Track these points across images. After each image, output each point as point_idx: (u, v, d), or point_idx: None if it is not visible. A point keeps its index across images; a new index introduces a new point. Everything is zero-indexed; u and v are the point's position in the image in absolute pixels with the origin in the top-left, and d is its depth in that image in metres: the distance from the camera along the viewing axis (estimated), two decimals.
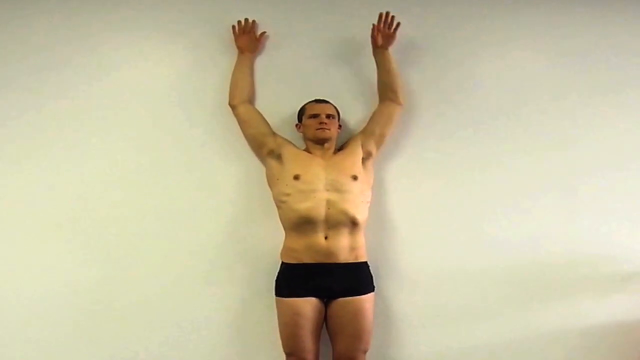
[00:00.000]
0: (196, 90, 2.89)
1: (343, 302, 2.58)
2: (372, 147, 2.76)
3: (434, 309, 2.86)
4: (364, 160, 2.74)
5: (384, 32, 2.83)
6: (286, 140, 2.79)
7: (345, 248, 2.60)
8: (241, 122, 2.80)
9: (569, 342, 2.90)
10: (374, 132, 2.78)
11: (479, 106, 2.96)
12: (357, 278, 2.63)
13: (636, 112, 3.02)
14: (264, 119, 2.80)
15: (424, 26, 2.98)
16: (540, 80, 3.00)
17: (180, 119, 2.88)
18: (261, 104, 2.87)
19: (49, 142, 2.85)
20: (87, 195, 2.83)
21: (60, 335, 2.78)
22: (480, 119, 2.95)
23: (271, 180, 2.73)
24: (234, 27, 2.88)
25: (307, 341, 2.57)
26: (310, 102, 2.79)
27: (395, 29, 2.83)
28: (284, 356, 2.61)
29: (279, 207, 2.68)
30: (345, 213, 2.58)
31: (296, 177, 2.63)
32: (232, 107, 2.81)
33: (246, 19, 2.88)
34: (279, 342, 2.62)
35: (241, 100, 2.80)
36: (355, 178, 2.65)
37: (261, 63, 2.91)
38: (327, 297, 2.60)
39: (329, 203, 2.59)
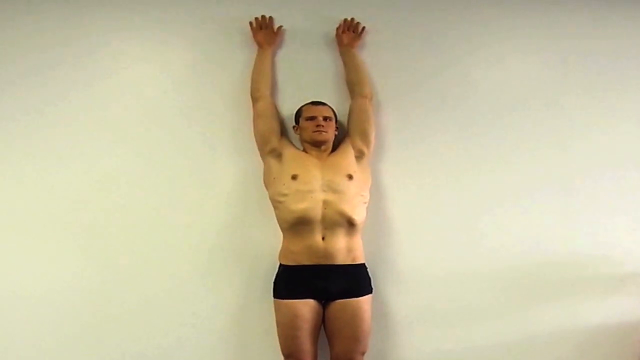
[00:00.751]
0: (194, 91, 2.89)
1: (341, 304, 2.59)
2: (360, 145, 2.77)
3: (431, 311, 2.86)
4: (357, 159, 2.75)
5: (348, 34, 2.88)
6: (290, 142, 2.81)
7: (342, 249, 2.60)
8: (257, 116, 2.79)
9: (568, 342, 2.91)
10: (355, 129, 2.80)
11: (477, 107, 2.96)
12: (355, 280, 2.64)
13: (634, 113, 3.03)
14: (279, 117, 2.82)
15: (419, 26, 2.98)
16: (538, 81, 3.01)
17: (178, 121, 2.88)
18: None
19: (49, 142, 2.84)
20: (84, 197, 2.82)
21: (58, 336, 2.78)
22: (478, 120, 2.96)
23: (268, 180, 2.73)
24: (251, 23, 2.88)
25: (305, 343, 2.57)
26: (307, 104, 2.79)
27: (361, 32, 2.89)
28: (282, 358, 2.61)
29: (275, 208, 2.68)
30: (341, 213, 2.59)
31: (294, 177, 2.63)
32: (254, 99, 2.81)
33: (263, 16, 2.88)
34: (277, 343, 2.62)
35: (263, 93, 2.80)
36: (350, 177, 2.65)
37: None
38: (325, 298, 2.60)
39: (325, 203, 2.59)
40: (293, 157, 2.72)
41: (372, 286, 2.68)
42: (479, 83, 2.98)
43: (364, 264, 2.68)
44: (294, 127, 2.82)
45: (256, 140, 2.80)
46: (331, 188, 2.62)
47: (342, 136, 2.84)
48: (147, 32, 2.93)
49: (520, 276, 2.90)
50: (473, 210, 2.91)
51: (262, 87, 2.81)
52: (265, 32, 2.88)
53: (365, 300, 2.62)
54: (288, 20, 2.92)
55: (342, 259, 2.60)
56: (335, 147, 2.80)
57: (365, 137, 2.78)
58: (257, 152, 2.79)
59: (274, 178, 2.69)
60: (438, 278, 2.87)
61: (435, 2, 3.00)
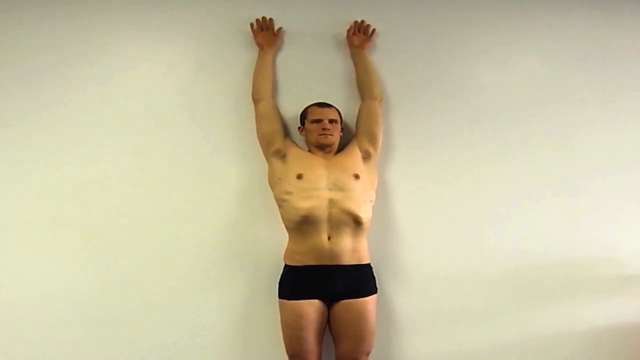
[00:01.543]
0: (198, 92, 2.90)
1: (346, 304, 2.59)
2: (367, 146, 2.78)
3: (436, 311, 2.86)
4: (364, 160, 2.75)
5: (359, 36, 2.89)
6: (294, 142, 2.81)
7: (348, 250, 2.60)
8: (259, 117, 2.80)
9: (571, 344, 2.91)
10: (363, 131, 2.80)
11: (482, 108, 2.98)
12: (360, 280, 2.64)
13: (636, 114, 3.04)
14: (281, 118, 2.82)
15: (425, 29, 3.00)
16: (541, 81, 3.02)
17: (182, 122, 2.88)
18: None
19: (52, 142, 2.84)
20: (87, 197, 2.82)
21: (60, 338, 2.77)
22: (483, 122, 2.97)
23: (273, 180, 2.73)
24: (252, 24, 2.90)
25: (310, 343, 2.57)
26: (312, 105, 2.79)
27: (371, 34, 2.91)
28: (286, 358, 2.61)
29: (280, 207, 2.68)
30: (348, 212, 2.59)
31: (299, 177, 2.64)
32: (255, 101, 2.81)
33: (264, 17, 2.90)
34: (282, 344, 2.62)
35: (264, 95, 2.81)
36: (357, 177, 2.66)
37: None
38: (330, 299, 2.60)
39: (331, 202, 2.59)
40: (298, 156, 2.73)
41: (377, 286, 2.68)
42: (485, 85, 2.99)
43: (369, 264, 2.69)
44: (299, 128, 2.83)
45: (260, 142, 2.80)
46: (337, 186, 2.62)
47: (347, 136, 2.85)
48: (151, 32, 2.93)
49: (524, 277, 2.91)
50: (478, 211, 2.92)
51: (263, 89, 2.82)
52: (266, 33, 2.89)
53: (370, 301, 2.63)
54: (294, 21, 2.94)
55: (347, 259, 2.60)
56: (341, 147, 2.81)
57: (373, 139, 2.79)
58: (262, 153, 2.80)
59: (279, 178, 2.70)
60: (443, 278, 2.87)
61: (441, 5, 3.01)
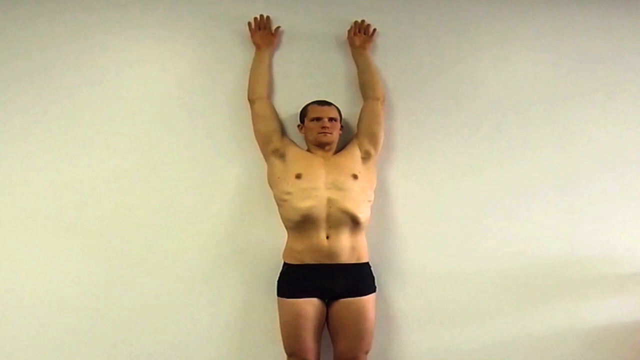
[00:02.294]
0: (198, 90, 2.89)
1: (345, 303, 2.59)
2: (368, 147, 2.77)
3: (435, 310, 2.87)
4: (364, 160, 2.75)
5: (360, 35, 2.89)
6: (292, 141, 2.81)
7: (346, 248, 2.60)
8: (256, 117, 2.80)
9: (570, 343, 2.92)
10: (364, 131, 2.80)
11: (480, 108, 2.97)
12: (359, 279, 2.64)
13: (635, 114, 3.03)
14: (278, 117, 2.82)
15: (424, 27, 2.99)
16: (540, 81, 3.02)
17: (182, 120, 2.87)
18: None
19: (52, 142, 2.84)
20: (85, 197, 2.82)
21: (59, 336, 2.78)
22: (482, 121, 2.96)
23: (272, 179, 2.73)
24: (249, 23, 2.88)
25: (309, 341, 2.58)
26: (312, 103, 2.79)
27: (372, 34, 2.90)
28: (285, 356, 2.62)
29: (280, 206, 2.68)
30: (346, 211, 2.59)
31: (298, 176, 2.64)
32: (251, 101, 2.81)
33: (261, 15, 2.88)
34: (281, 342, 2.62)
35: (260, 95, 2.80)
36: (355, 177, 2.66)
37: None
38: (328, 297, 2.61)
39: (330, 201, 2.60)
40: (297, 156, 2.73)
41: (376, 285, 2.69)
42: (484, 84, 2.99)
43: (367, 263, 2.69)
44: (298, 125, 2.82)
45: (257, 142, 2.80)
46: (336, 186, 2.62)
47: (347, 135, 2.84)
48: (149, 31, 2.92)
49: (523, 276, 2.91)
50: (477, 211, 2.92)
51: (258, 89, 2.81)
52: (263, 33, 2.87)
53: (369, 299, 2.63)
54: (295, 21, 2.93)
55: (346, 258, 2.61)
56: (341, 146, 2.81)
57: (374, 139, 2.79)
58: (260, 152, 2.80)
59: (278, 177, 2.70)
60: (442, 278, 2.88)
61: (442, 5, 3.00)
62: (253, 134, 2.81)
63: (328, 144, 2.74)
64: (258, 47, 2.86)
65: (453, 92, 2.97)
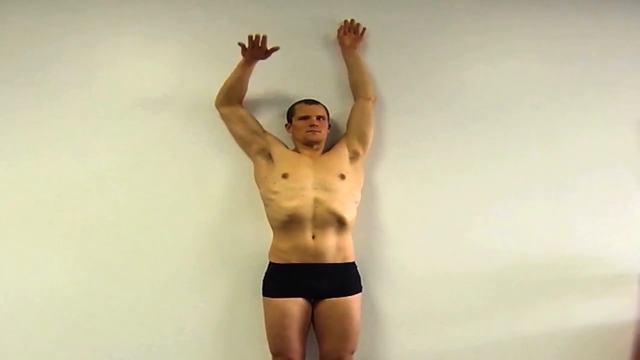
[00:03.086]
0: (185, 89, 2.88)
1: (330, 303, 2.58)
2: (357, 147, 2.76)
3: (421, 310, 2.86)
4: (352, 160, 2.74)
5: (350, 35, 2.87)
6: (276, 139, 2.79)
7: (332, 248, 2.60)
8: (227, 122, 2.79)
9: (557, 344, 2.91)
10: (354, 131, 2.79)
11: (467, 108, 2.96)
12: (345, 279, 2.64)
13: (625, 114, 3.03)
14: (252, 118, 2.79)
15: (413, 27, 2.98)
16: (528, 82, 3.01)
17: (168, 119, 2.86)
18: (252, 102, 2.85)
19: (41, 140, 2.83)
20: (73, 196, 2.81)
21: (46, 338, 2.77)
22: (468, 121, 2.96)
23: (259, 178, 2.72)
24: (240, 44, 2.65)
25: (294, 341, 2.57)
26: (299, 102, 2.78)
27: (362, 33, 2.88)
28: (270, 356, 2.61)
29: (266, 205, 2.67)
30: (332, 212, 2.58)
31: (285, 176, 2.63)
32: (218, 107, 2.79)
33: (256, 35, 2.64)
34: (266, 342, 2.61)
35: (226, 103, 2.76)
36: (342, 177, 2.65)
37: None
38: (314, 297, 2.60)
39: (316, 202, 2.59)
40: (284, 156, 2.72)
41: (362, 285, 2.68)
42: (472, 85, 2.98)
43: (353, 263, 2.68)
44: (286, 125, 2.81)
45: (238, 144, 2.80)
46: (323, 186, 2.61)
47: (335, 136, 2.83)
48: (140, 29, 2.92)
49: (510, 276, 2.91)
50: (463, 211, 2.92)
51: (224, 98, 2.74)
52: (257, 50, 2.65)
53: (354, 299, 2.62)
54: (284, 21, 2.91)
55: (332, 257, 2.60)
56: (329, 145, 2.80)
57: (363, 139, 2.78)
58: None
59: (265, 177, 2.69)
60: (428, 278, 2.87)
61: (431, 5, 3.00)
62: None
63: (317, 142, 2.73)
64: (246, 60, 2.70)
65: (442, 92, 2.96)
